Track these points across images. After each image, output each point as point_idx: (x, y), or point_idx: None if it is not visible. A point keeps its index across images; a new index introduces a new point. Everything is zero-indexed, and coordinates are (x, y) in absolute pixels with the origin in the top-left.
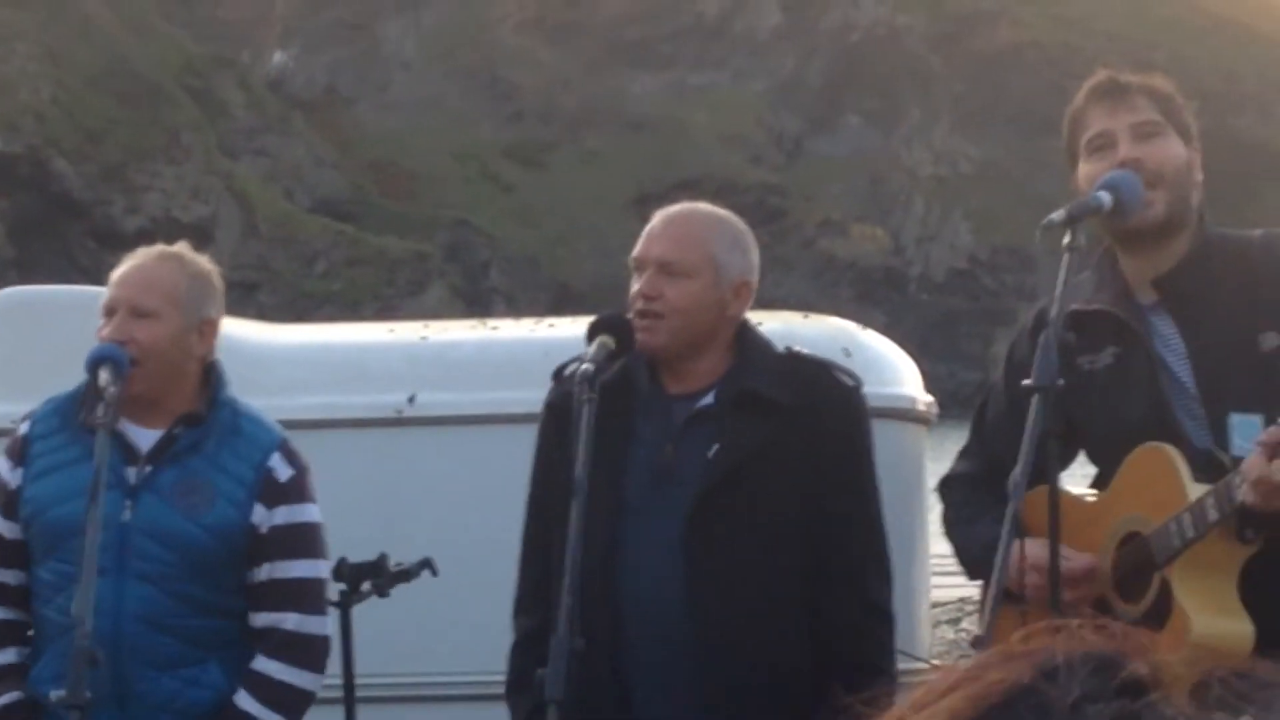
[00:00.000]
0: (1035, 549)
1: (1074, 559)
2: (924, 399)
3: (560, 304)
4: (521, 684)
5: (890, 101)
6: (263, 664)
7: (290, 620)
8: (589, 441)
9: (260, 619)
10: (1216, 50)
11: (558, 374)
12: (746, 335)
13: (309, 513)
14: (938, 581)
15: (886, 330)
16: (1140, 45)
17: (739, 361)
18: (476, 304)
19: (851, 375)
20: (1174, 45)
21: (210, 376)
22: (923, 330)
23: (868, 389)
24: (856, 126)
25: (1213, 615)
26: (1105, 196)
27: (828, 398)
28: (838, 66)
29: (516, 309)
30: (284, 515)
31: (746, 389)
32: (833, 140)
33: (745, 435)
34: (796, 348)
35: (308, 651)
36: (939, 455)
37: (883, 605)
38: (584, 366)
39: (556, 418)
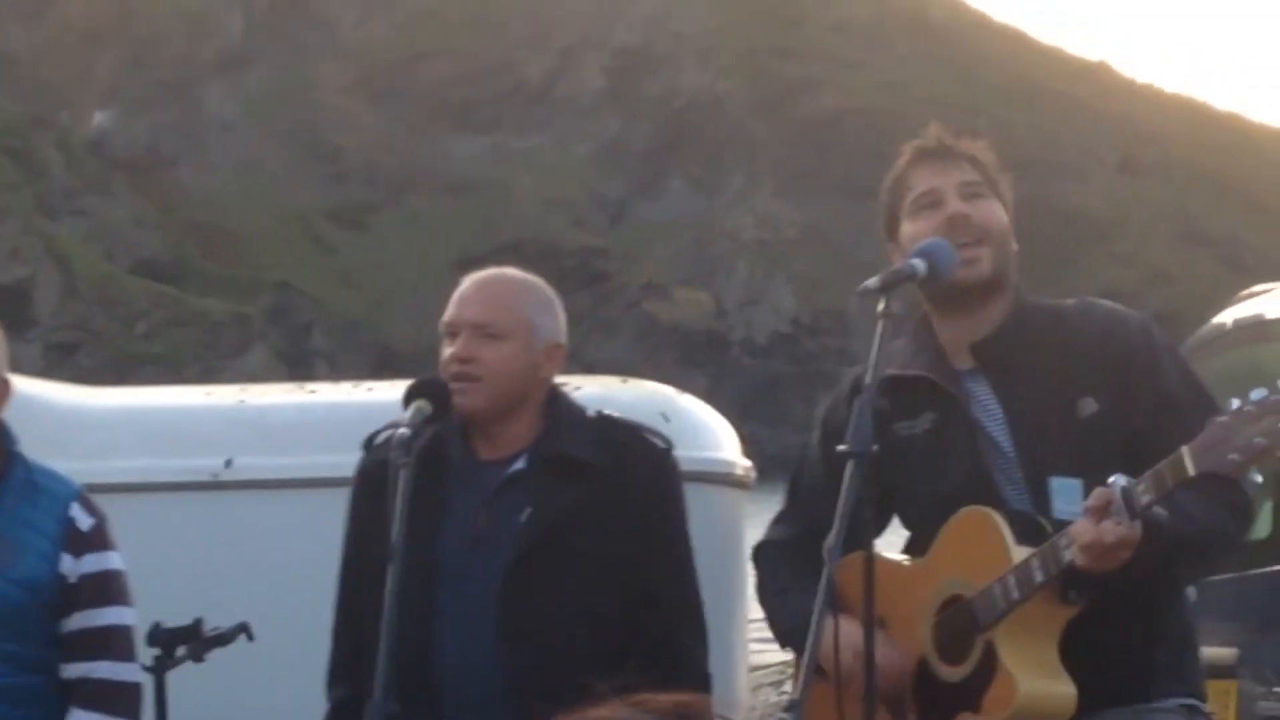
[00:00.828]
0: (849, 629)
1: (888, 656)
2: (742, 463)
3: (382, 366)
4: None
5: (714, 166)
6: (79, 716)
7: (102, 669)
8: (404, 507)
9: (71, 670)
10: (1038, 117)
11: (368, 442)
12: (557, 399)
13: (113, 560)
14: (761, 646)
15: (709, 394)
16: (963, 111)
17: (550, 425)
18: (299, 366)
19: (662, 438)
20: (996, 112)
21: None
22: (746, 394)
23: (684, 453)
24: (680, 190)
25: (1038, 677)
26: (919, 263)
27: (638, 460)
28: (661, 131)
29: (339, 371)
30: (91, 563)
31: (557, 453)
32: (656, 204)
33: (556, 499)
34: (608, 411)
35: (121, 699)
36: (760, 519)
37: (699, 667)
38: (400, 431)
39: (369, 484)
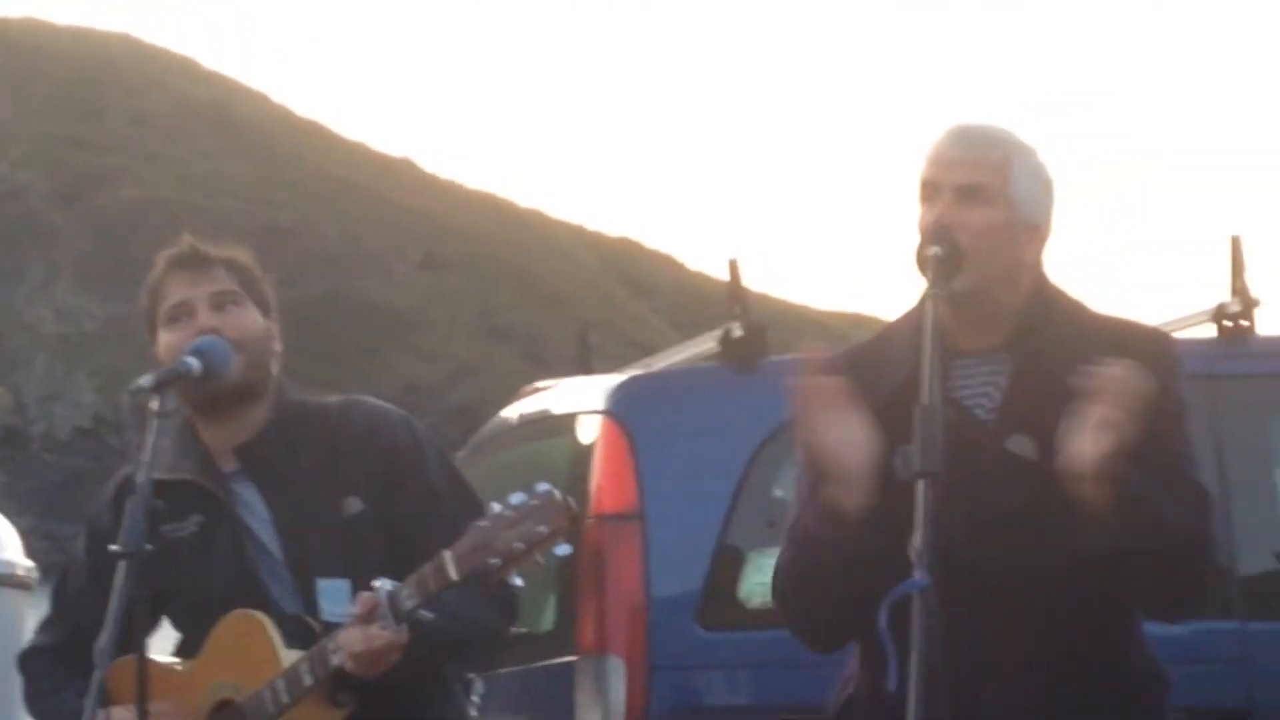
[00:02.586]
0: (121, 716)
1: None
2: (23, 564)
3: None
4: None
5: (12, 258)
6: None
7: None
8: None
9: None
10: (342, 213)
11: None
12: None
13: None
14: None
15: (8, 490)
16: (268, 206)
17: None
18: None
19: None
20: (301, 206)
21: None
22: (47, 490)
23: None
24: None
25: None
26: (194, 362)
27: None
28: None
29: None
30: None
31: None
32: None
33: None
34: None
35: None
36: None
37: None
38: None
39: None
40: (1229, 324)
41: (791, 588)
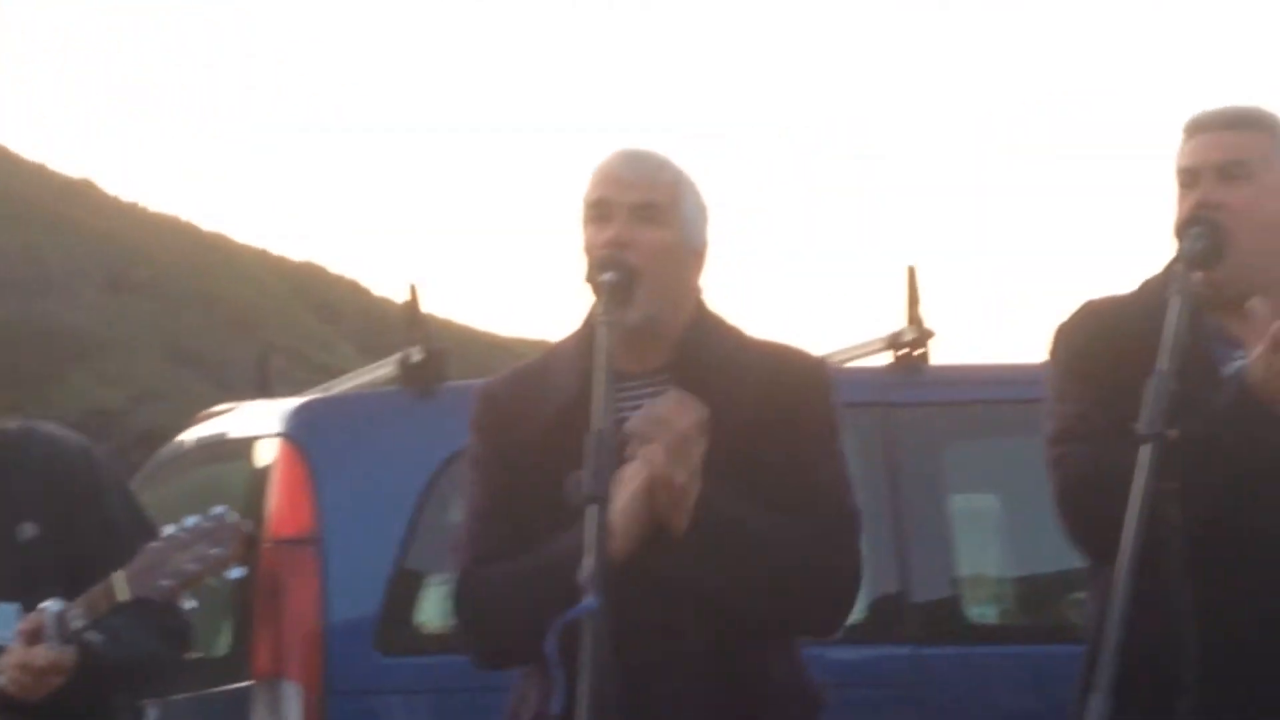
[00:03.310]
0: None
1: None
2: None
3: None
4: None
5: None
6: None
7: None
8: None
9: None
10: (25, 236)
11: None
12: None
13: None
14: None
15: None
16: None
17: None
18: None
19: None
20: None
21: None
22: None
23: None
24: None
25: None
26: None
27: None
28: None
29: None
30: None
31: None
32: None
33: None
34: None
35: None
36: None
37: None
38: None
39: None
40: (904, 352)
41: (474, 610)
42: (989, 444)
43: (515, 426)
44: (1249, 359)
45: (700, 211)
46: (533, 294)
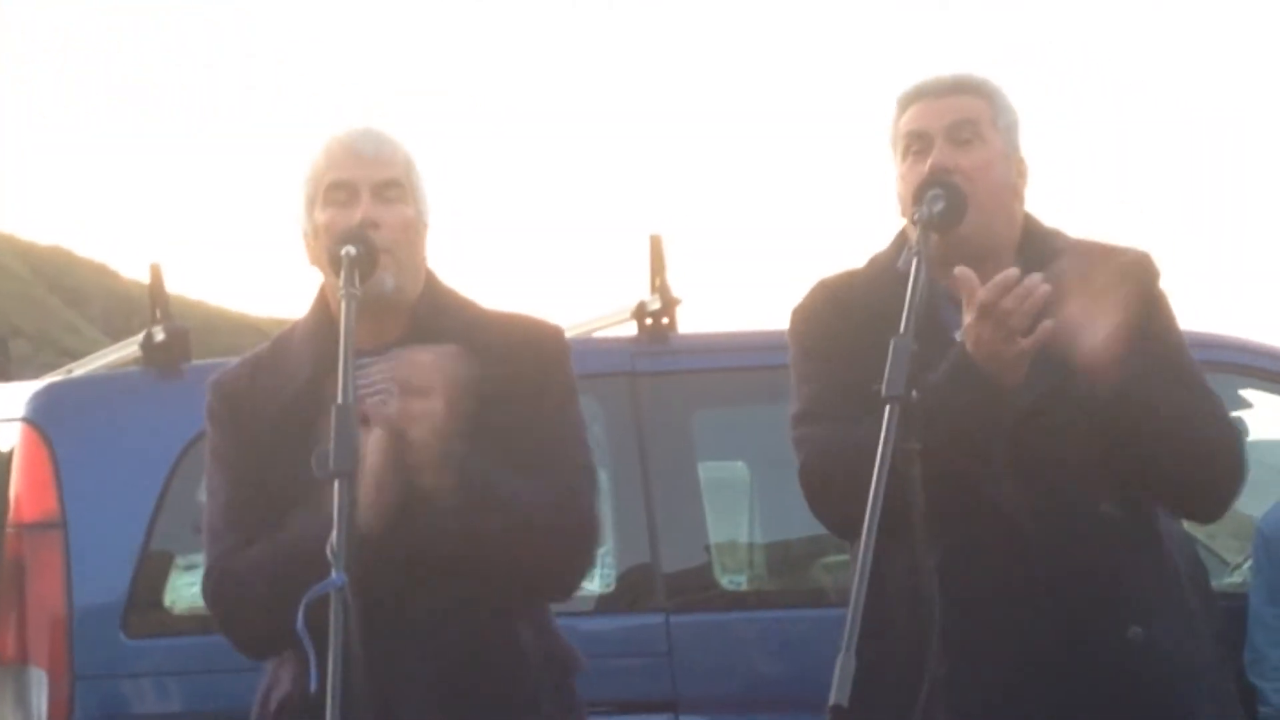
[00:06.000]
0: None
1: None
2: None
3: None
4: None
5: None
6: None
7: None
8: None
9: None
10: None
11: None
12: None
13: None
14: None
15: None
16: None
17: None
18: None
19: None
20: None
21: None
22: None
23: None
24: None
25: None
26: None
27: None
28: None
29: None
30: None
31: None
32: None
33: None
34: None
35: None
36: None
37: None
38: None
39: None
40: (650, 321)
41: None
42: (737, 411)
43: (250, 414)
44: (964, 327)
45: (424, 184)
46: (283, 274)
